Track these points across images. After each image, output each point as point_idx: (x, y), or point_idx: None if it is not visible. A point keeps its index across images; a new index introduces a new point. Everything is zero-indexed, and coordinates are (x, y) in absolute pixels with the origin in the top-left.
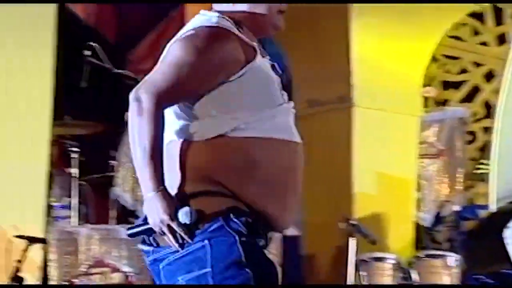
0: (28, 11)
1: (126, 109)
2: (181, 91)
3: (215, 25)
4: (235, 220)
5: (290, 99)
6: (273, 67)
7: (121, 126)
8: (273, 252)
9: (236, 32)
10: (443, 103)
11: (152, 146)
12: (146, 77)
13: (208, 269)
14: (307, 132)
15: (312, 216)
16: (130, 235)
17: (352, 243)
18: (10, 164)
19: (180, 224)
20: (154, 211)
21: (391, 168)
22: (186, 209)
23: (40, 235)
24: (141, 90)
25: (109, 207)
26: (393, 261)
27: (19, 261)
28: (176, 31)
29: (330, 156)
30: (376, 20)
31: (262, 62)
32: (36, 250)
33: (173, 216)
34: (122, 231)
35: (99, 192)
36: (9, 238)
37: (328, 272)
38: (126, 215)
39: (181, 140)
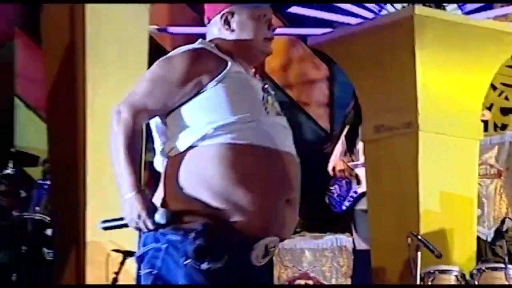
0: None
1: None
2: (156, 102)
3: (193, 47)
4: (191, 242)
5: (359, 125)
6: (266, 88)
7: None
8: (344, 265)
9: (211, 49)
10: (502, 127)
11: (127, 152)
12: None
13: (155, 271)
14: (375, 155)
15: (381, 232)
16: (104, 228)
17: (419, 256)
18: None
19: (155, 223)
20: (132, 210)
21: (454, 187)
22: (161, 210)
23: (134, 249)
24: (121, 103)
25: None
26: (456, 273)
27: (116, 273)
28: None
29: (397, 177)
30: (439, 52)
31: (240, 76)
32: (131, 263)
33: (150, 215)
34: None
35: None
36: (107, 252)
37: (396, 283)
38: None
39: (165, 158)
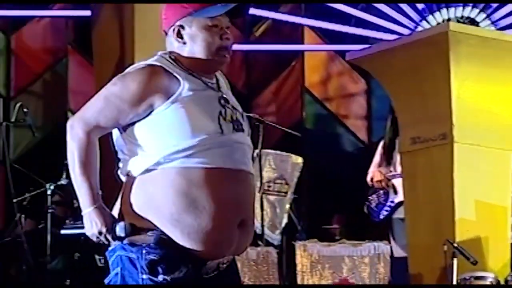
0: None
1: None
2: (108, 119)
3: (149, 63)
4: (144, 257)
5: (396, 137)
6: (224, 99)
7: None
8: (382, 271)
9: (167, 67)
10: None
11: (82, 167)
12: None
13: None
14: (412, 166)
15: (418, 239)
16: (63, 235)
17: (455, 263)
18: None
19: (115, 237)
20: (92, 225)
21: (488, 196)
22: (121, 223)
23: None
24: (74, 118)
25: None
26: (491, 280)
27: None
28: (296, 78)
29: (434, 187)
30: (473, 66)
31: (194, 95)
32: None
33: (110, 229)
34: (252, 253)
35: None
36: None
37: None
38: (255, 239)
39: (125, 177)
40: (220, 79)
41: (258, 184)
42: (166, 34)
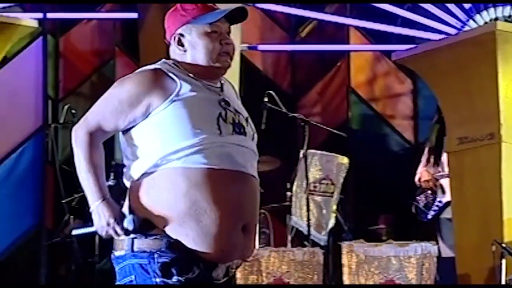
0: None
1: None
2: (108, 120)
3: (150, 67)
4: (156, 261)
5: (443, 136)
6: (225, 101)
7: (295, 161)
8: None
9: (166, 70)
10: None
11: (87, 165)
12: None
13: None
14: (459, 166)
15: (466, 239)
16: (75, 236)
17: (503, 264)
18: None
19: (123, 229)
20: (100, 218)
21: None
22: (130, 217)
23: None
24: (78, 123)
25: (286, 232)
26: None
27: None
28: (342, 78)
29: (481, 187)
30: None
31: (193, 96)
32: None
33: (119, 221)
34: (299, 253)
35: (277, 219)
36: None
37: None
38: (301, 239)
39: (129, 182)
40: (225, 84)
41: (304, 184)
42: (169, 43)
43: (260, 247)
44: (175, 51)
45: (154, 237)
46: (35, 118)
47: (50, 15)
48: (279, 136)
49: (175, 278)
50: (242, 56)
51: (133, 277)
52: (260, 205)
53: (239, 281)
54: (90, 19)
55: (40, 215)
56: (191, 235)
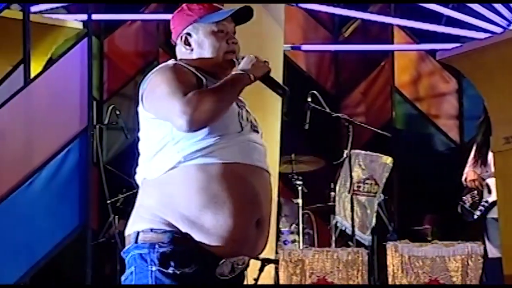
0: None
1: (343, 147)
2: (188, 85)
3: (169, 63)
4: (157, 251)
5: (490, 136)
6: (239, 100)
7: (339, 161)
8: (474, 271)
9: (187, 67)
10: None
11: (218, 87)
12: (167, 114)
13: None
14: (505, 166)
15: None
16: None
17: None
18: None
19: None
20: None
21: None
22: None
23: (272, 256)
24: (178, 121)
25: (330, 232)
26: None
27: (256, 279)
28: (386, 78)
29: None
30: None
31: None
32: (269, 270)
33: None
34: (343, 253)
35: (321, 219)
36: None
37: None
38: (345, 239)
39: (144, 178)
40: None
41: (348, 184)
42: (175, 44)
43: (304, 247)
44: (182, 51)
45: (160, 231)
46: (80, 119)
47: (94, 17)
48: (323, 136)
49: (171, 269)
50: (286, 57)
51: (133, 268)
52: (303, 206)
53: (282, 281)
54: (134, 21)
55: (85, 216)
56: (206, 226)
